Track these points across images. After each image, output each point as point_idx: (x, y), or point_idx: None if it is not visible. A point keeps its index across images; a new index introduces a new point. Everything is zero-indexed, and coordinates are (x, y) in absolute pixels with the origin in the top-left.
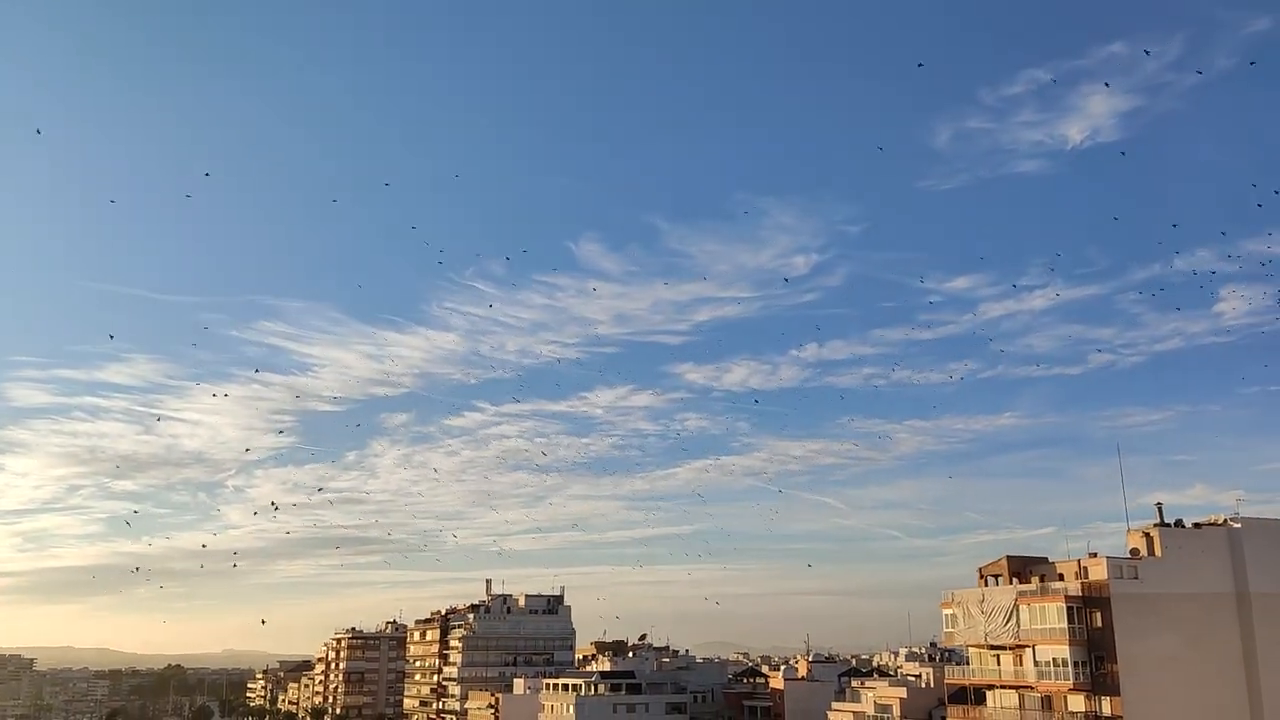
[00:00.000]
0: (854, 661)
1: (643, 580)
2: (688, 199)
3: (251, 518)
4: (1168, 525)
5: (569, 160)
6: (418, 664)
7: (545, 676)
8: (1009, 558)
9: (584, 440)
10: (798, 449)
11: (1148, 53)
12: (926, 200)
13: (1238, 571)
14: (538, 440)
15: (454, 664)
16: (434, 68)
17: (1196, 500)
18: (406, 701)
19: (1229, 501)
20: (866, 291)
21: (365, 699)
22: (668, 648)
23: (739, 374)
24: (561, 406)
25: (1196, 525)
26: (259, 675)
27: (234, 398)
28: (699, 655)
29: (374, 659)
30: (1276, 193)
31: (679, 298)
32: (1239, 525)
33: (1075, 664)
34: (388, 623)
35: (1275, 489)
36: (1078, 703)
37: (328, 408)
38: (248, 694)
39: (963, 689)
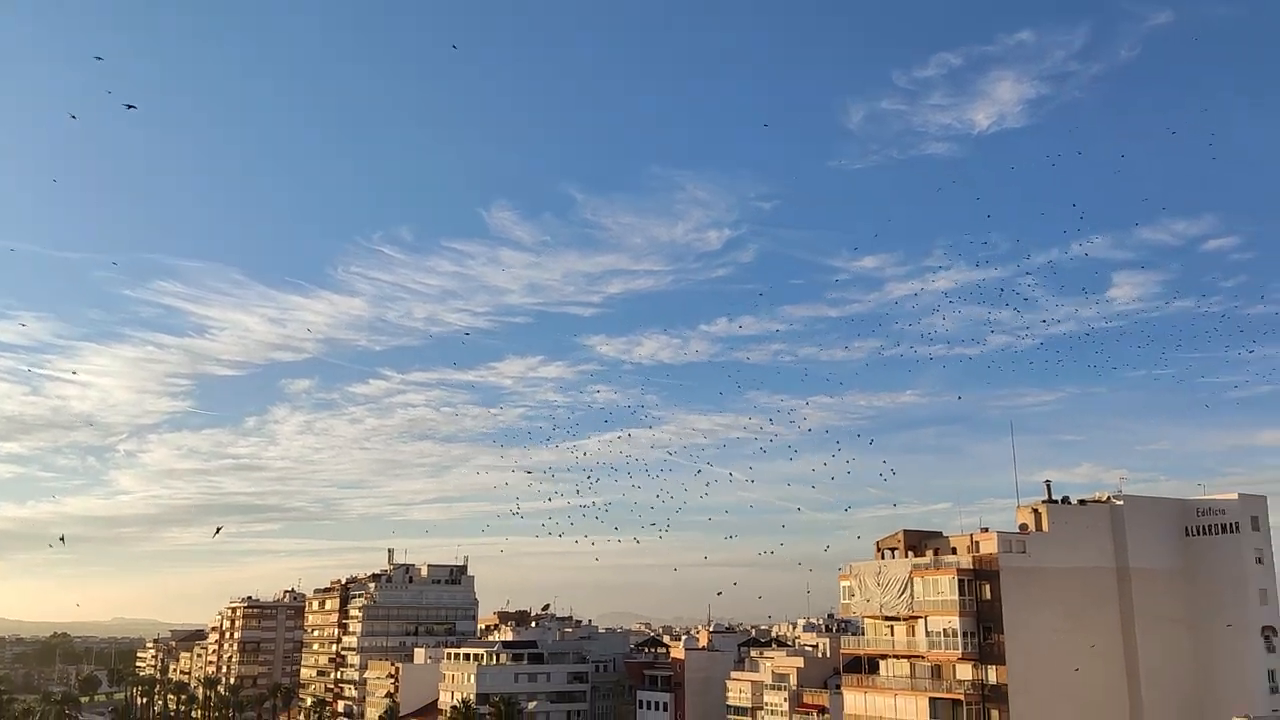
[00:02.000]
0: (754, 632)
1: (548, 551)
2: (603, 170)
3: (144, 483)
4: (1055, 502)
5: (483, 127)
6: (316, 634)
7: (447, 646)
8: (905, 532)
9: (492, 410)
10: (706, 423)
11: (1055, 42)
12: (838, 179)
13: (1118, 547)
14: (444, 409)
15: (354, 634)
16: (346, 29)
17: (1083, 479)
18: (304, 671)
19: (1114, 480)
20: (777, 268)
21: (261, 669)
22: (570, 618)
23: (650, 347)
24: (470, 376)
25: (1082, 502)
26: (149, 644)
27: (127, 359)
28: (602, 626)
29: (270, 629)
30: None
31: (592, 269)
32: (1121, 503)
33: (965, 634)
34: (285, 592)
35: (1157, 468)
36: (965, 671)
37: (226, 371)
38: (137, 663)
39: (857, 658)
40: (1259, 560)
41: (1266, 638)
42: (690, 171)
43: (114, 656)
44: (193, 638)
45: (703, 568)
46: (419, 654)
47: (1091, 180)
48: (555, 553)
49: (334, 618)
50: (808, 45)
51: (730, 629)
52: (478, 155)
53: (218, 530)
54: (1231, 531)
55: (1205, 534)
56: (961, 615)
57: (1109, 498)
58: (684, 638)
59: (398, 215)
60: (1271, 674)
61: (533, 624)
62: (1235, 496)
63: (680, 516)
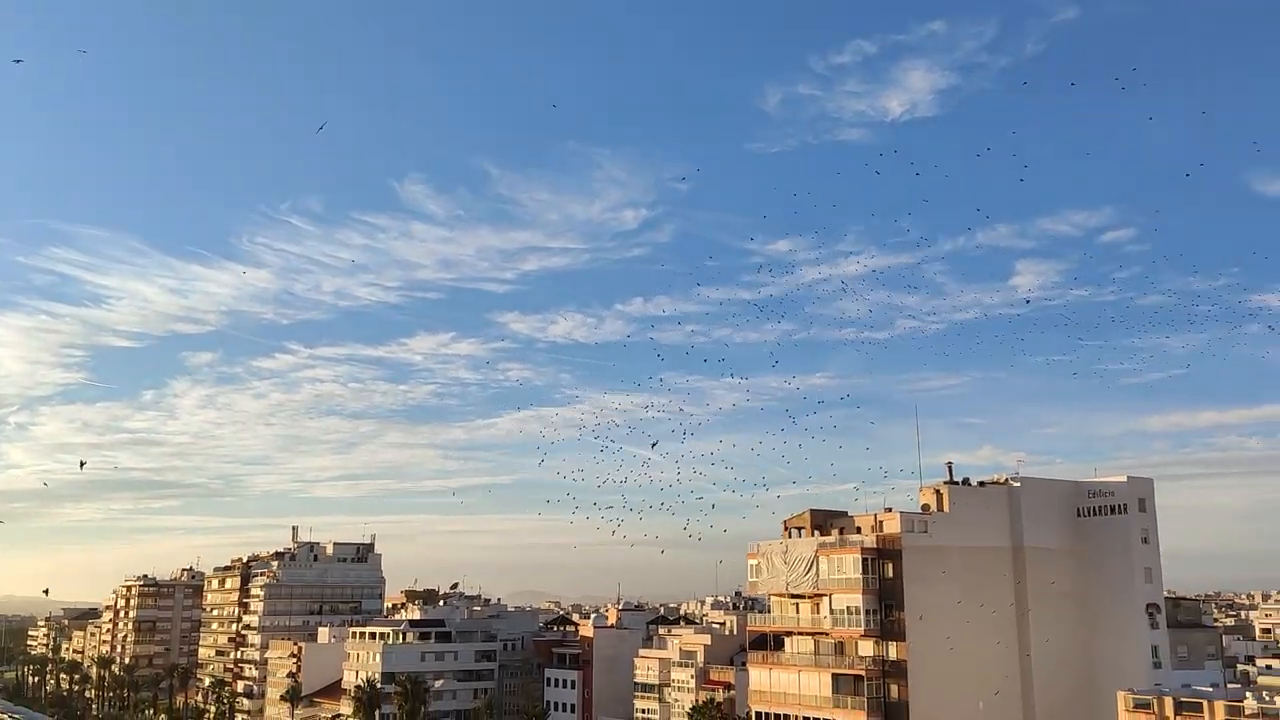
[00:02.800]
0: (662, 610)
1: (458, 530)
2: (520, 145)
3: (35, 457)
4: (956, 483)
5: (396, 97)
6: (215, 613)
7: (352, 625)
8: (812, 511)
9: (401, 387)
10: (619, 402)
11: (965, 34)
12: (755, 162)
13: (1014, 527)
14: (352, 385)
15: (255, 613)
16: None
17: (984, 461)
18: (202, 651)
19: (1012, 462)
20: (693, 249)
21: (157, 648)
22: (479, 597)
23: (565, 326)
24: (379, 352)
25: (981, 484)
26: (41, 622)
27: (18, 328)
28: (511, 604)
29: (167, 607)
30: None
31: (507, 245)
32: (1018, 484)
33: (867, 612)
34: (184, 570)
35: (1053, 451)
36: (867, 648)
37: (124, 343)
38: (28, 642)
39: (763, 636)
40: (1145, 540)
41: (1150, 615)
42: (608, 150)
43: (4, 634)
44: (86, 616)
45: (613, 546)
46: (323, 633)
47: (997, 171)
48: (465, 531)
49: (234, 596)
50: (726, 28)
51: (639, 607)
52: (390, 126)
53: (82, 464)
54: (1120, 512)
55: (1096, 515)
56: (865, 593)
57: (1007, 479)
58: (593, 616)
59: (306, 186)
60: (1155, 649)
61: (440, 603)
62: (1124, 479)
63: (591, 495)
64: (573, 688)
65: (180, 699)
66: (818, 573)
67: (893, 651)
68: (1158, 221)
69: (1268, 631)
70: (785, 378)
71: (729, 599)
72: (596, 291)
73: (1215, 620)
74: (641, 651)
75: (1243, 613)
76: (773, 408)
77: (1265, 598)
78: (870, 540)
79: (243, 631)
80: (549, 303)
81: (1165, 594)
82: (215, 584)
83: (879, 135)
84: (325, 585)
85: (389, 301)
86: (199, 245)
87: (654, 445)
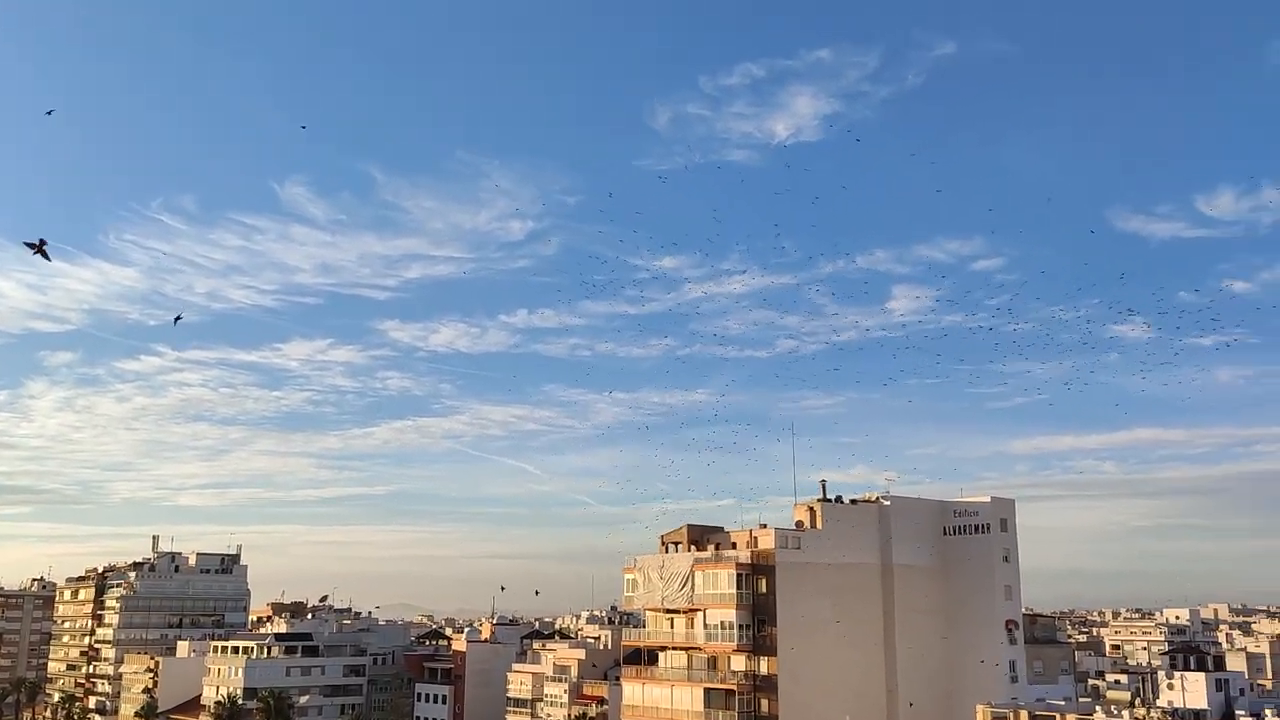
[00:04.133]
0: (537, 624)
1: (331, 541)
2: (407, 152)
3: None
4: (829, 501)
5: (279, 96)
6: (67, 625)
7: (214, 639)
8: (689, 526)
9: (275, 393)
10: (500, 414)
11: (851, 62)
12: (643, 179)
13: (884, 544)
14: (223, 390)
15: (109, 625)
16: None
17: (858, 479)
18: (52, 665)
19: (883, 481)
20: (579, 263)
21: (3, 661)
22: (350, 610)
23: (447, 335)
24: (253, 356)
25: (854, 502)
26: None
27: None
28: (383, 618)
29: (15, 619)
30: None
31: (390, 252)
32: (888, 503)
33: (740, 627)
34: (34, 580)
35: (923, 471)
36: (739, 662)
37: None
38: None
39: (637, 650)
40: (1006, 559)
41: (1009, 631)
42: (497, 160)
43: None
44: None
45: (491, 559)
46: (182, 647)
47: (877, 197)
48: (338, 542)
49: (88, 608)
50: (618, 44)
51: (514, 621)
52: (272, 126)
53: None
54: (983, 532)
55: (960, 534)
56: (738, 608)
57: (878, 498)
58: (466, 630)
59: (181, 183)
60: (1012, 664)
61: (309, 616)
62: (988, 499)
63: (469, 507)
64: (444, 703)
65: (27, 715)
66: (693, 588)
67: (764, 666)
68: (1026, 253)
69: (1117, 648)
70: (667, 393)
71: (605, 614)
72: (480, 301)
73: (1069, 637)
74: (515, 666)
75: (1094, 629)
76: (654, 423)
77: (1115, 615)
78: (745, 556)
79: (96, 645)
80: (431, 311)
81: (1023, 611)
82: (67, 595)
83: (765, 157)
84: (186, 597)
85: (264, 305)
86: (62, 240)
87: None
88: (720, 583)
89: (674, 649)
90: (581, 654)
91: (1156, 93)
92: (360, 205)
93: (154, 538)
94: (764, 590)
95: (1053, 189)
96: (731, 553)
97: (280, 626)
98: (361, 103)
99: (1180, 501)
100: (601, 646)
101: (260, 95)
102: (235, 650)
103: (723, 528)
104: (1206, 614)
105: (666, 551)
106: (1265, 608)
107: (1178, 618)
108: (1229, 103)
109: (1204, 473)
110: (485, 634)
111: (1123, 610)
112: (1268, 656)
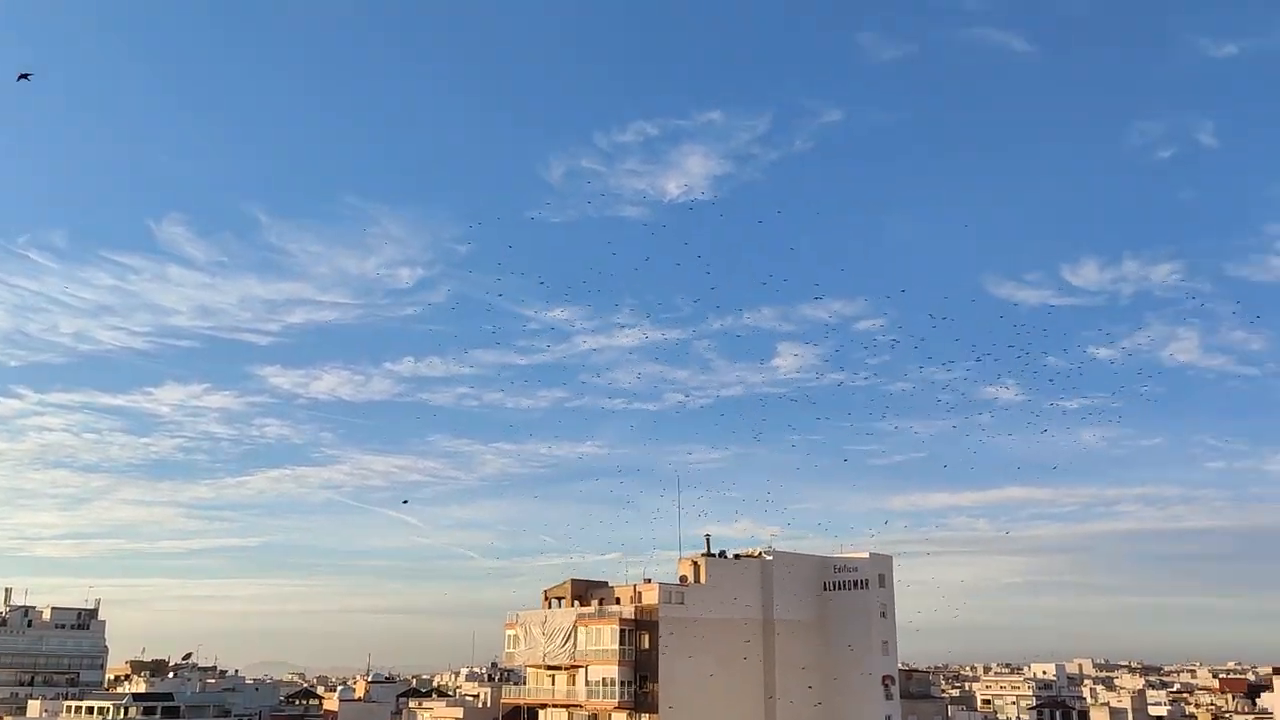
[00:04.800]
0: (414, 682)
1: (198, 595)
2: (294, 194)
3: None
4: (713, 555)
5: (162, 131)
6: None
7: (67, 699)
8: (573, 581)
9: (144, 440)
10: (382, 464)
11: (740, 125)
12: (535, 230)
13: (766, 599)
14: (87, 435)
15: None
16: (15, 12)
17: (742, 534)
18: None
19: (767, 536)
20: (469, 312)
21: None
22: (215, 668)
23: (329, 382)
24: (120, 401)
25: (737, 556)
26: None
27: None
28: (251, 676)
29: None
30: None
31: (272, 296)
32: (771, 558)
33: (622, 683)
34: None
35: (806, 526)
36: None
37: None
38: None
39: (518, 708)
40: (883, 614)
41: (886, 686)
42: (386, 206)
43: None
44: None
45: (368, 614)
46: (34, 707)
47: (764, 256)
48: (206, 596)
49: None
50: (515, 97)
51: (390, 679)
52: (152, 161)
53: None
54: (862, 588)
55: (840, 589)
56: (620, 664)
57: (761, 553)
58: (339, 689)
59: (51, 218)
60: (888, 719)
61: (170, 674)
62: (867, 555)
63: (347, 560)
64: None
65: None
66: (575, 644)
67: None
68: (905, 315)
69: (988, 702)
70: (555, 445)
71: (485, 670)
72: (365, 349)
73: (943, 691)
74: None
75: (966, 684)
76: (541, 474)
77: (986, 670)
78: (629, 611)
79: None
80: (314, 358)
81: (900, 666)
82: None
83: (656, 214)
84: (39, 654)
85: (136, 347)
86: None
87: (404, 503)
88: (603, 638)
89: (555, 706)
90: (460, 712)
91: (1027, 167)
92: (242, 247)
93: (6, 590)
94: (647, 646)
95: (931, 254)
96: (615, 608)
97: (139, 685)
98: (248, 143)
99: (1048, 558)
100: (481, 704)
101: (140, 131)
102: (90, 710)
103: (607, 582)
104: (1072, 669)
105: (550, 606)
106: (1127, 663)
107: (1045, 673)
108: (1093, 179)
109: (1070, 530)
110: (359, 692)
111: (994, 665)
112: (1129, 711)
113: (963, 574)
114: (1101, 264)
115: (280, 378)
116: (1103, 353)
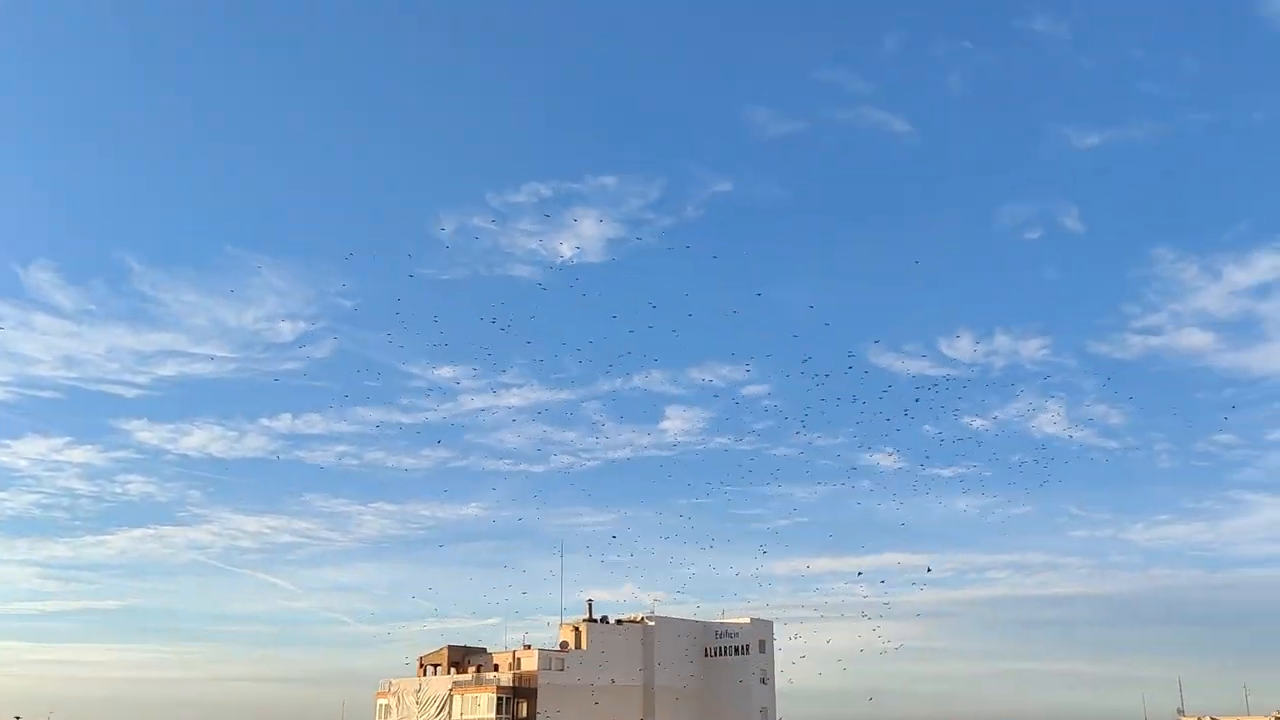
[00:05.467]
0: None
1: (53, 660)
2: (171, 242)
3: None
4: (595, 621)
5: (31, 174)
6: None
7: None
8: (450, 647)
9: None
10: (254, 524)
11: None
12: (425, 286)
13: (647, 665)
14: None
15: None
16: None
17: (626, 598)
18: None
19: (650, 601)
20: (352, 368)
21: None
22: None
23: (200, 438)
24: None
25: (619, 621)
26: None
27: None
28: None
29: None
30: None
31: (143, 347)
32: (653, 624)
33: None
34: None
35: (689, 591)
36: None
37: None
38: None
39: None
40: (763, 680)
41: None
42: (269, 257)
43: None
44: None
45: (235, 682)
46: None
47: (655, 319)
48: (61, 661)
49: None
50: (407, 151)
51: None
52: (21, 205)
53: None
54: (742, 653)
55: (721, 654)
56: None
57: (643, 618)
58: None
59: None
60: None
61: None
62: (748, 620)
63: (213, 625)
64: None
65: None
66: (450, 712)
67: None
68: (789, 382)
69: None
70: (437, 505)
71: None
72: (241, 404)
73: None
74: None
75: None
76: (421, 537)
77: None
78: (507, 678)
79: None
80: (185, 412)
81: None
82: None
83: (548, 275)
84: None
85: None
86: None
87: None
88: (480, 707)
89: None
90: None
91: (907, 241)
92: (113, 295)
93: None
94: (525, 714)
95: (816, 323)
96: (493, 675)
97: None
98: (122, 187)
99: (924, 624)
100: None
101: (9, 175)
102: None
103: (485, 649)
104: None
105: (426, 673)
106: None
107: None
108: (968, 257)
109: (944, 596)
110: None
111: None
112: None
113: (843, 639)
114: (976, 337)
115: (147, 432)
116: (976, 423)
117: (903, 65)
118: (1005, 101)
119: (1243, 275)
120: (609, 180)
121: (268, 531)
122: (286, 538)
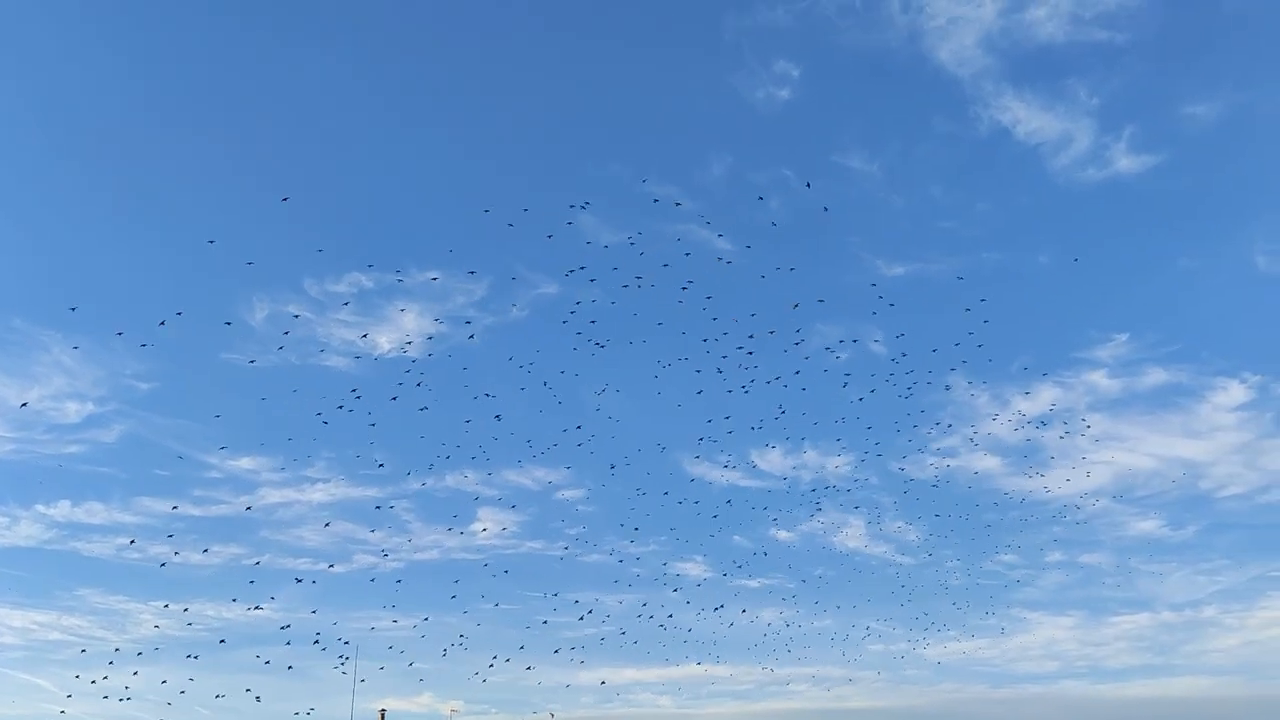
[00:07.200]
0: None
1: None
2: None
3: None
4: None
5: None
6: None
7: None
8: None
9: None
10: (19, 619)
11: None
12: (230, 373)
13: None
14: None
15: None
16: None
17: (423, 708)
18: None
19: (448, 712)
20: (143, 455)
21: None
22: None
23: None
24: None
25: None
26: None
27: None
28: None
29: None
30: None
31: None
32: None
33: None
34: None
35: (492, 701)
36: None
37: None
38: None
39: None
40: None
41: None
42: (59, 333)
43: None
44: None
45: None
46: None
47: (472, 417)
48: None
49: None
50: (217, 233)
51: None
52: None
53: None
54: None
55: None
56: None
57: None
58: None
59: None
60: None
61: None
62: None
63: None
64: None
65: None
66: None
67: None
68: (603, 489)
69: None
70: (226, 606)
71: None
72: (15, 488)
73: None
74: None
75: None
76: (205, 638)
77: None
78: None
79: None
80: None
81: None
82: None
83: (364, 367)
84: None
85: None
86: None
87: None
88: None
89: None
90: None
91: (725, 355)
92: None
93: None
94: None
95: (634, 430)
96: None
97: None
98: None
99: None
100: None
101: None
102: None
103: None
104: None
105: None
106: None
107: None
108: (782, 374)
109: (746, 709)
110: None
111: None
112: None
113: None
114: (786, 451)
115: None
116: (783, 535)
117: (727, 187)
118: (819, 230)
119: (1027, 405)
120: (434, 275)
121: (35, 628)
122: (54, 635)
